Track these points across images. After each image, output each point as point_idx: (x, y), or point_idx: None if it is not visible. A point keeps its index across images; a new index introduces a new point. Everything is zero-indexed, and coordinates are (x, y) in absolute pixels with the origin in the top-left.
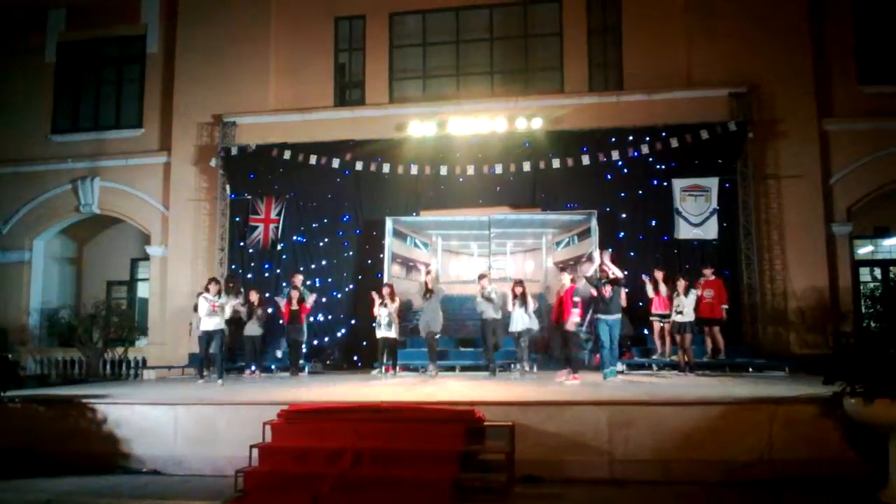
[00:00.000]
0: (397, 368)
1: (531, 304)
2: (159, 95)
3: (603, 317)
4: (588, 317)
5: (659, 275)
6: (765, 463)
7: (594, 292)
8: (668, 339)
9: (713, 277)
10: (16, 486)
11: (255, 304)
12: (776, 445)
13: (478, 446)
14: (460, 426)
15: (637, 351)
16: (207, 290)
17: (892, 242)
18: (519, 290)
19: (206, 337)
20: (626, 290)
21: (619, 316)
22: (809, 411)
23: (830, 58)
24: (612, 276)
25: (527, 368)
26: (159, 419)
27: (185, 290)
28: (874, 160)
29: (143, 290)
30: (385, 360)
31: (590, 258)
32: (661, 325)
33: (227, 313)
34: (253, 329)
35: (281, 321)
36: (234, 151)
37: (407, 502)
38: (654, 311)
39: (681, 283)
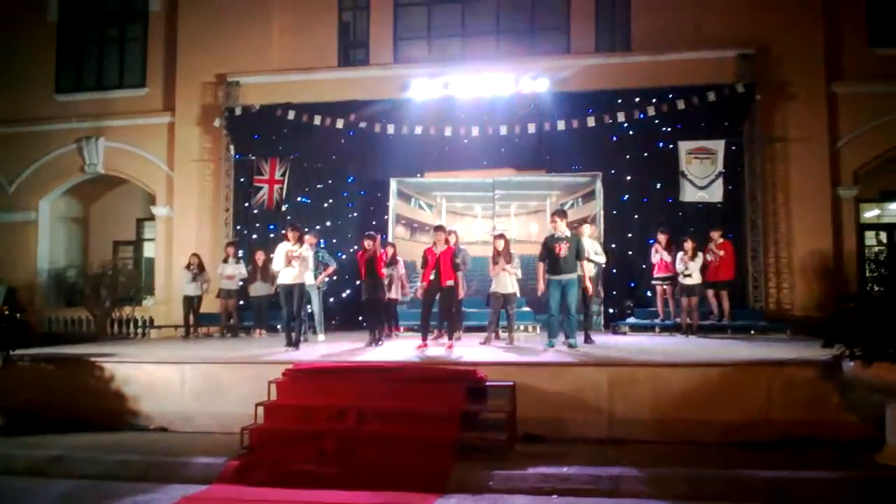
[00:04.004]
0: (401, 329)
1: (517, 262)
2: (163, 55)
3: (554, 277)
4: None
5: (662, 238)
6: (763, 424)
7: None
8: (670, 302)
9: (721, 240)
10: (26, 443)
11: (261, 264)
12: (775, 407)
13: (479, 406)
14: (462, 386)
15: (640, 313)
16: (286, 238)
17: None
18: (501, 244)
19: (286, 292)
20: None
21: (574, 276)
22: (809, 374)
23: (841, 19)
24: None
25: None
26: (167, 377)
27: (190, 249)
28: (883, 123)
29: (149, 250)
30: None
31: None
32: (663, 287)
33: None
34: (259, 289)
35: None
36: (238, 112)
37: (410, 460)
38: (655, 274)
39: (688, 245)
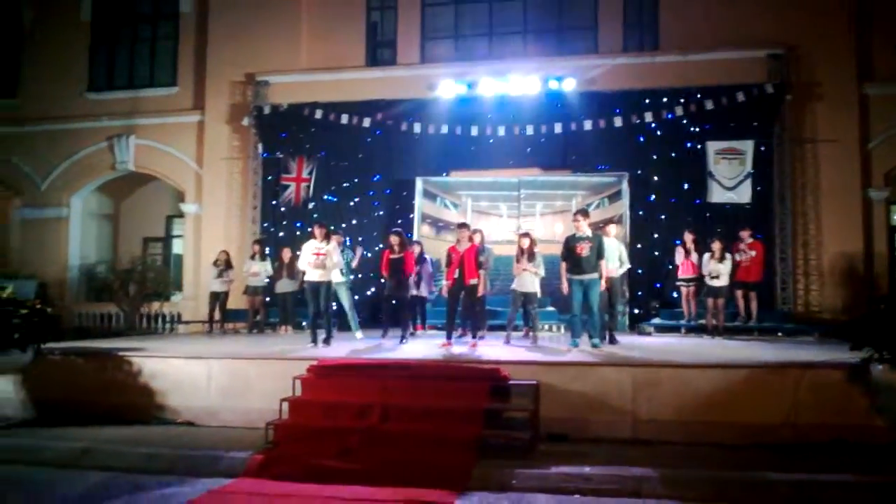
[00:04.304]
0: (426, 327)
1: (540, 261)
2: (193, 54)
3: (575, 277)
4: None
5: (689, 238)
6: (789, 426)
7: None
8: (693, 303)
9: (751, 240)
10: (56, 435)
11: (287, 261)
12: (802, 410)
13: (503, 404)
14: (486, 384)
15: (665, 314)
16: (313, 235)
17: None
18: (526, 242)
19: (313, 290)
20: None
21: (595, 276)
22: (836, 377)
23: (872, 19)
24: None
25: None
26: (193, 372)
27: (219, 246)
28: None
29: (177, 247)
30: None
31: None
32: (688, 288)
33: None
34: (285, 286)
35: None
36: (266, 110)
37: (433, 458)
38: (680, 275)
39: (716, 247)
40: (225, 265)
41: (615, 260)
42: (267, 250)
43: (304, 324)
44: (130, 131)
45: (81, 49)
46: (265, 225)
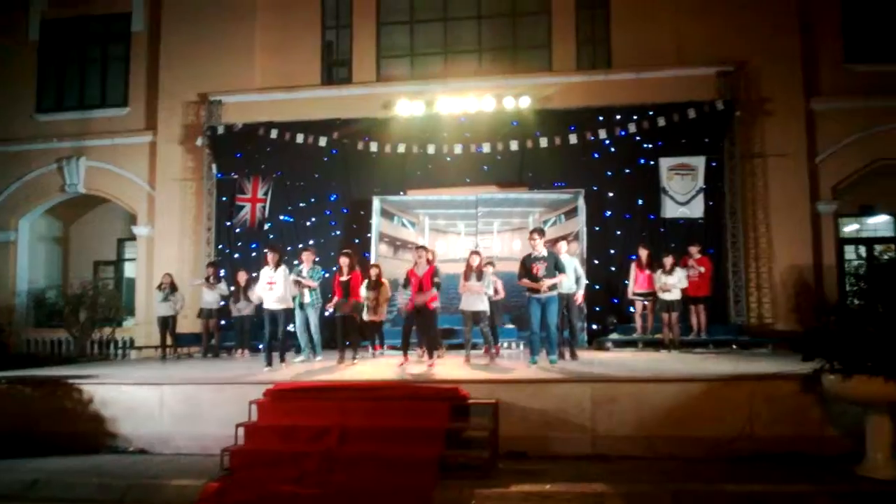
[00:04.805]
0: (385, 347)
1: (489, 281)
2: (145, 74)
3: (534, 295)
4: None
5: (643, 253)
6: (746, 439)
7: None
8: (649, 317)
9: (699, 255)
10: (3, 467)
11: (243, 284)
12: (757, 422)
13: (462, 424)
14: (445, 404)
15: (623, 329)
16: (266, 261)
17: (876, 220)
18: (475, 260)
19: (271, 316)
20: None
21: (553, 294)
22: (790, 388)
23: (818, 36)
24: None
25: (497, 353)
26: (146, 398)
27: (171, 269)
28: (860, 139)
29: (129, 270)
30: (373, 341)
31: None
32: (643, 303)
33: (216, 296)
34: (242, 309)
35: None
36: (220, 130)
37: (393, 479)
38: (636, 290)
39: (668, 261)
40: (170, 288)
41: (571, 277)
42: (222, 272)
43: (260, 346)
44: (80, 153)
45: (29, 69)
46: (220, 247)
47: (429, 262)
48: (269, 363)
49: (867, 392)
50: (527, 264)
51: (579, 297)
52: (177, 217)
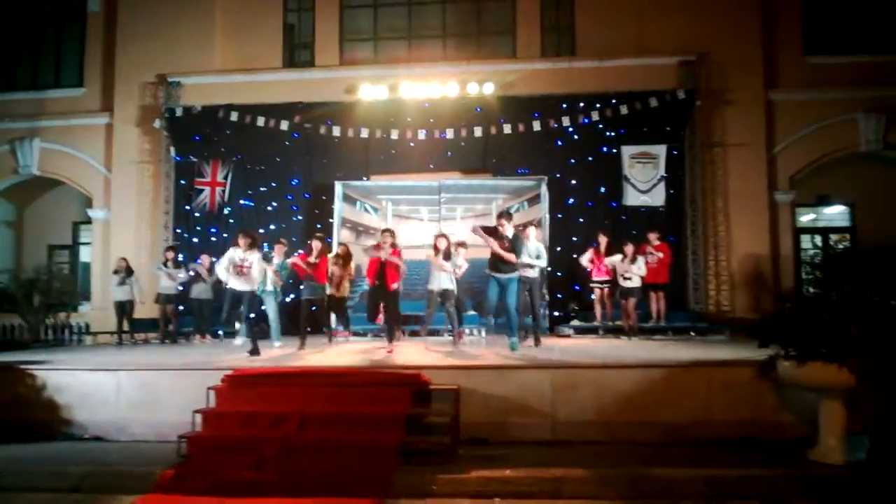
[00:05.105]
0: (349, 334)
1: (458, 262)
2: (101, 54)
3: (494, 274)
4: None
5: (603, 240)
6: (703, 424)
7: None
8: (608, 304)
9: (658, 242)
10: None
11: (207, 268)
12: (715, 407)
13: (423, 410)
14: (406, 390)
15: (583, 316)
16: (236, 244)
17: (832, 211)
18: (442, 243)
19: (234, 297)
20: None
21: (514, 275)
22: (746, 374)
23: (778, 28)
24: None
25: (460, 337)
26: (101, 385)
27: (128, 254)
28: (817, 130)
29: (85, 255)
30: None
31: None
32: (602, 290)
33: (180, 279)
34: (200, 292)
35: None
36: (178, 112)
37: (353, 465)
38: (594, 277)
39: (628, 249)
40: (126, 272)
41: (531, 256)
42: (180, 257)
43: (219, 332)
44: (34, 134)
45: None
46: (178, 231)
47: (393, 245)
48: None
49: (821, 378)
50: (496, 238)
51: (535, 272)
52: (134, 200)
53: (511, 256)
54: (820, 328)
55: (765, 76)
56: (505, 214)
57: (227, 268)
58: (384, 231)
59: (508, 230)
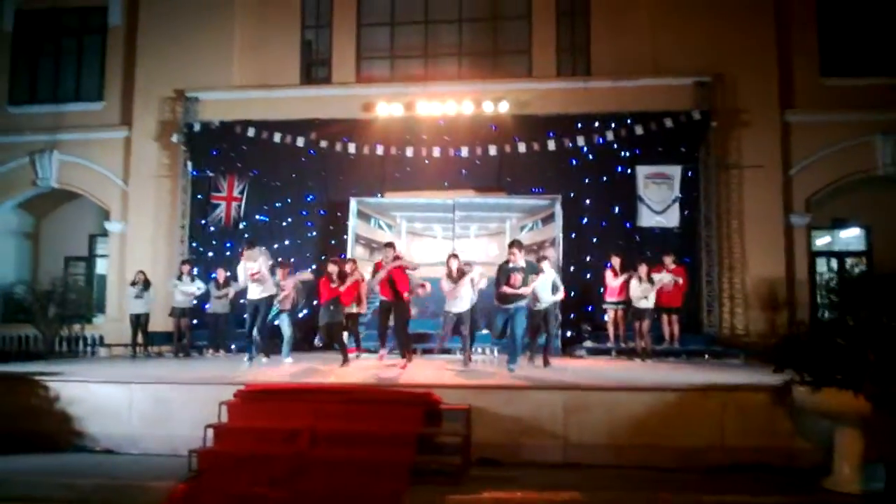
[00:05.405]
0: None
1: (472, 283)
2: (121, 69)
3: (504, 305)
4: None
5: (616, 261)
6: (717, 449)
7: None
8: (621, 326)
9: (674, 266)
10: None
11: (222, 282)
12: (728, 432)
13: (435, 429)
14: (418, 409)
15: (596, 337)
16: (241, 255)
17: (848, 234)
18: (454, 264)
19: (253, 307)
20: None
21: (522, 304)
22: (761, 399)
23: (794, 50)
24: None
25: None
26: (114, 397)
27: (144, 267)
28: (833, 152)
29: (101, 267)
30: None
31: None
32: (616, 311)
33: (195, 293)
34: (217, 307)
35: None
36: (196, 128)
37: (364, 484)
38: (607, 298)
39: (642, 270)
40: (143, 285)
41: (547, 289)
42: (195, 271)
43: (232, 347)
44: (53, 147)
45: (2, 61)
46: (194, 244)
47: (397, 258)
48: (251, 358)
49: (836, 405)
50: (506, 273)
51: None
52: (151, 214)
53: (527, 290)
54: (835, 353)
55: (780, 97)
56: (516, 244)
57: (245, 276)
58: (386, 245)
59: (520, 260)
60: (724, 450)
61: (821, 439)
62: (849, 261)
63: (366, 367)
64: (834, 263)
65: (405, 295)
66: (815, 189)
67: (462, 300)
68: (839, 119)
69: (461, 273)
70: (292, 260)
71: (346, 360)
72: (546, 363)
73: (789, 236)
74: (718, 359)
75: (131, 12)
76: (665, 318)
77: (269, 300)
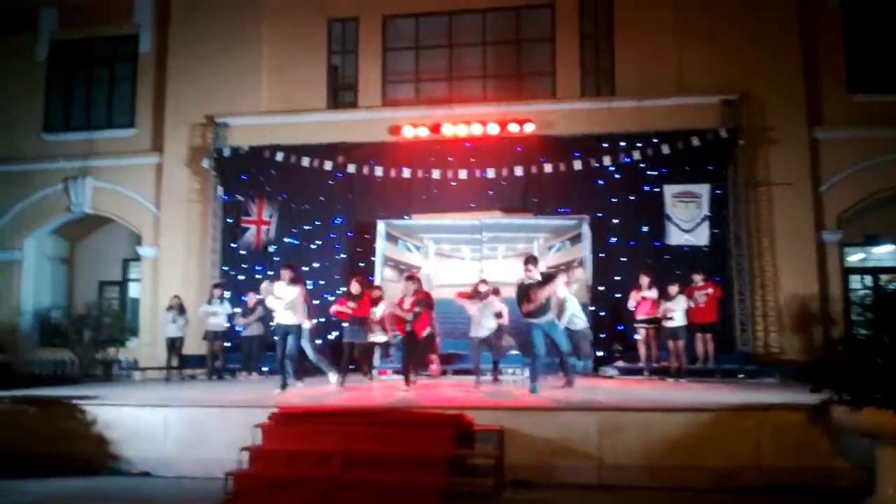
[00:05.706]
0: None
1: (495, 308)
2: (152, 95)
3: (533, 320)
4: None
5: (645, 280)
6: (753, 469)
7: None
8: (653, 345)
9: (703, 283)
10: (2, 488)
11: (252, 305)
12: (765, 452)
13: (467, 451)
14: (450, 430)
15: (627, 356)
16: (279, 278)
17: (882, 250)
18: (483, 288)
19: (282, 332)
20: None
21: (551, 317)
22: (798, 419)
23: (821, 66)
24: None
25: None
26: (149, 421)
27: (176, 290)
28: (864, 169)
29: (134, 291)
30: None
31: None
32: (647, 330)
33: (223, 315)
34: (250, 330)
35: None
36: (226, 153)
37: None
38: (638, 316)
39: (673, 289)
40: (178, 309)
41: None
42: (226, 294)
43: (264, 369)
44: (87, 173)
45: (37, 90)
46: (224, 268)
47: (417, 292)
48: (283, 385)
49: (877, 424)
50: (526, 291)
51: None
52: (182, 238)
53: (541, 297)
54: (874, 372)
55: (808, 114)
56: (531, 260)
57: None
58: (407, 279)
59: (536, 274)
60: (759, 470)
61: (861, 458)
62: (883, 277)
63: (394, 387)
64: (868, 280)
65: (423, 333)
66: (846, 206)
67: (482, 327)
68: (868, 135)
69: (486, 295)
70: (321, 282)
71: (343, 380)
72: (570, 384)
73: (821, 253)
74: (753, 378)
75: (161, 40)
76: (699, 336)
77: (298, 327)
